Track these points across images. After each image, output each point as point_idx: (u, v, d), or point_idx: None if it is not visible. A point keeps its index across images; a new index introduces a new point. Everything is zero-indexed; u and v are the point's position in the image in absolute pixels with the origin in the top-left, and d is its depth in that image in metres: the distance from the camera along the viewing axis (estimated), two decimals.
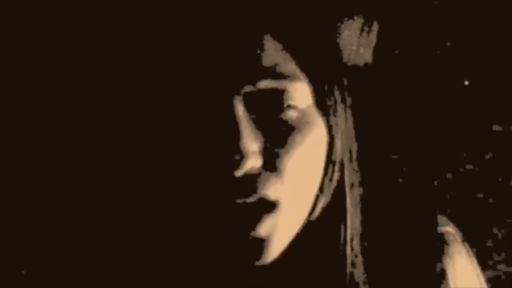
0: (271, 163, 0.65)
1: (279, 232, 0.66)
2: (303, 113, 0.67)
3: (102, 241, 0.76)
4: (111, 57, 0.73)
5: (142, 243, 0.72)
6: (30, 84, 0.87)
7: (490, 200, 1.04)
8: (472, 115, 1.04)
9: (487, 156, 1.05)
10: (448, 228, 0.77)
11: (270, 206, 0.66)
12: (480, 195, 1.04)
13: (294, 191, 0.67)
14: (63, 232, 0.81)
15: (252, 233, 0.65)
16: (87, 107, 0.81)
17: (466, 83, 1.03)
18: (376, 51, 0.78)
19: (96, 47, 0.77)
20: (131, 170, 0.71)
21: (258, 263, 0.66)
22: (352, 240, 0.72)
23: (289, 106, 0.66)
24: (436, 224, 0.76)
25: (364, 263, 0.72)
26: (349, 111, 0.72)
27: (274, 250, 0.66)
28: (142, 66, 0.68)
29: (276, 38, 0.65)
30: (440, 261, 0.74)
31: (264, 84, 0.65)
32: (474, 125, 1.04)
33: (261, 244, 0.66)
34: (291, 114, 0.66)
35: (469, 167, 1.05)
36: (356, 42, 0.75)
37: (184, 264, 0.71)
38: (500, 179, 1.04)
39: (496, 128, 1.04)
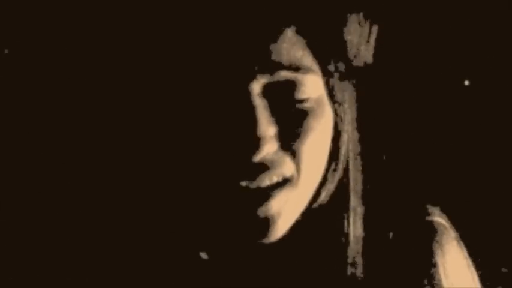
0: (286, 147, 0.68)
1: (287, 210, 0.69)
2: (315, 102, 0.70)
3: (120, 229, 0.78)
4: (126, 48, 0.74)
5: (153, 220, 0.75)
6: (32, 84, 0.89)
7: (490, 198, 1.05)
8: (471, 115, 1.05)
9: (487, 156, 1.06)
10: (439, 219, 0.79)
11: (281, 183, 0.69)
12: (480, 195, 1.05)
13: (306, 172, 0.69)
14: (71, 231, 0.82)
15: (263, 208, 0.68)
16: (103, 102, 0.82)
17: (466, 83, 1.04)
18: (376, 51, 0.79)
19: (109, 42, 0.78)
20: (151, 156, 0.73)
21: (263, 241, 0.69)
22: (354, 227, 0.74)
23: (302, 97, 0.69)
24: (427, 215, 0.78)
25: (363, 250, 0.74)
26: (355, 106, 0.75)
27: (280, 229, 0.69)
28: (163, 54, 0.69)
29: (298, 31, 0.68)
30: (431, 251, 0.76)
31: (281, 75, 0.67)
32: (474, 124, 1.05)
33: (267, 222, 0.68)
34: (304, 104, 0.69)
35: (469, 166, 1.05)
36: (356, 42, 0.76)
37: (191, 242, 0.74)
38: (499, 178, 1.05)
39: (495, 126, 1.05)
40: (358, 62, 0.75)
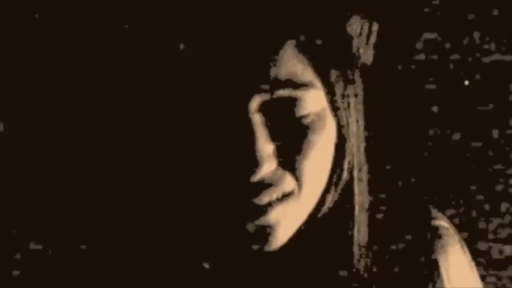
0: (286, 165, 0.67)
1: (287, 220, 0.69)
2: (317, 116, 0.68)
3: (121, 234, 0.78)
4: (122, 64, 0.75)
5: (155, 230, 0.75)
6: (34, 84, 0.88)
7: (488, 199, 1.05)
8: (471, 115, 1.05)
9: (486, 155, 1.05)
10: (443, 222, 0.78)
11: (282, 197, 0.68)
12: (480, 196, 1.05)
13: (307, 187, 0.69)
14: (82, 230, 0.82)
15: (262, 219, 0.67)
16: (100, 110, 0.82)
17: (466, 83, 1.04)
18: (376, 51, 0.78)
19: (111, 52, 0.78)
20: (152, 173, 0.74)
21: (264, 249, 0.69)
22: (359, 236, 0.74)
23: (303, 113, 0.68)
24: (430, 218, 0.78)
25: (368, 256, 0.74)
26: (360, 112, 0.74)
27: (280, 238, 0.69)
28: (160, 72, 0.69)
29: (297, 45, 0.67)
30: (434, 254, 0.76)
31: (280, 93, 0.66)
32: (473, 124, 1.05)
33: (268, 230, 0.68)
34: (305, 119, 0.68)
35: (469, 166, 1.05)
36: (356, 42, 0.76)
37: (192, 250, 0.74)
38: (498, 180, 1.05)
39: (494, 127, 1.05)
40: (359, 65, 0.75)
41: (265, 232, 0.68)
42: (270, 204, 0.67)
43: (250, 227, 0.68)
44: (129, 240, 0.76)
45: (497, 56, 1.04)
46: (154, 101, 0.71)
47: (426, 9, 1.02)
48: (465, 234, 0.80)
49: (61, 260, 0.81)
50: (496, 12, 1.03)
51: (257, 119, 0.66)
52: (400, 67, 1.03)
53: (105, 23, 0.81)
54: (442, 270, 0.75)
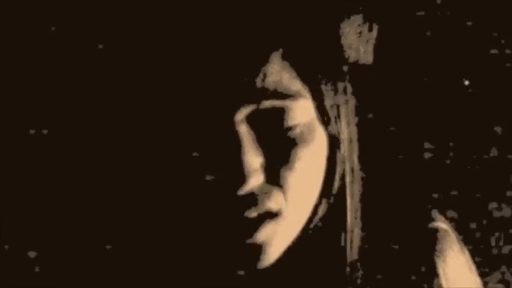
0: (274, 178, 0.66)
1: (278, 237, 0.68)
2: (305, 127, 0.67)
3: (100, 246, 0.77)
4: (112, 70, 0.75)
5: (144, 246, 0.75)
6: (32, 84, 0.88)
7: (489, 200, 1.05)
8: (472, 115, 1.05)
9: (487, 156, 1.06)
10: (441, 224, 0.78)
11: (270, 215, 0.67)
12: (479, 195, 1.06)
13: (295, 202, 0.68)
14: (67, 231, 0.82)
15: (251, 239, 0.67)
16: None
17: (466, 83, 1.04)
18: (376, 51, 0.78)
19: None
20: (138, 184, 0.73)
21: (257, 267, 0.68)
22: (351, 244, 0.73)
23: (291, 124, 0.67)
24: (428, 221, 0.78)
25: (363, 265, 0.74)
26: (352, 120, 0.73)
27: (273, 254, 0.68)
28: (144, 83, 0.68)
29: (284, 55, 0.65)
30: (432, 256, 0.75)
31: (267, 103, 0.65)
32: (474, 125, 1.05)
33: (259, 248, 0.67)
34: (293, 131, 0.67)
35: (469, 167, 1.06)
36: (356, 42, 0.76)
37: (182, 268, 0.73)
38: (500, 179, 1.05)
39: (496, 128, 1.05)
40: (356, 67, 0.75)
41: (256, 250, 0.67)
42: (259, 222, 0.66)
43: (241, 245, 0.67)
44: (115, 254, 0.76)
45: (496, 56, 1.04)
46: (139, 111, 0.70)
47: (426, 9, 1.02)
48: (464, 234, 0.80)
49: (51, 262, 0.81)
50: (496, 11, 1.03)
51: (244, 131, 0.65)
52: (398, 67, 1.03)
53: (89, 25, 0.81)
54: (440, 271, 0.75)
